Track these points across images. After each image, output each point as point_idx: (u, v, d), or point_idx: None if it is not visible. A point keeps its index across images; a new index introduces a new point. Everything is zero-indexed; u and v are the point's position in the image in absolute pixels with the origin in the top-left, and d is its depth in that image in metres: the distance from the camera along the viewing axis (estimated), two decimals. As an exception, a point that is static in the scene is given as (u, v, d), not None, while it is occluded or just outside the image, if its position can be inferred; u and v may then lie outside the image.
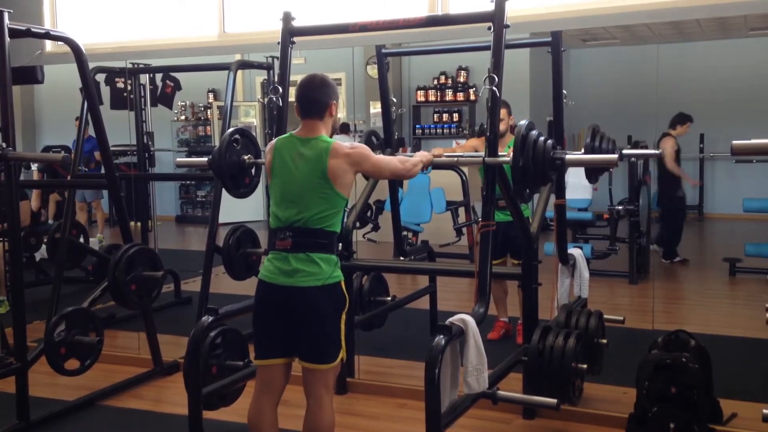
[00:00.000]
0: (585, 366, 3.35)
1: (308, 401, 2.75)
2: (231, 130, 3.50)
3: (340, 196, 2.71)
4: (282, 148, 2.78)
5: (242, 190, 3.57)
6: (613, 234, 6.79)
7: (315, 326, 2.68)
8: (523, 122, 3.00)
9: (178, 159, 4.11)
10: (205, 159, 3.52)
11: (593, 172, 3.83)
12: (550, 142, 3.01)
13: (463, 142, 9.15)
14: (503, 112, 4.49)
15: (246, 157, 3.47)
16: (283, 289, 2.68)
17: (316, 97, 2.75)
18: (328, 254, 2.69)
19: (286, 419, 3.72)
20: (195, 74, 7.92)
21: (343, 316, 2.74)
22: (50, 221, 8.06)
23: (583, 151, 3.69)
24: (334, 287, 2.70)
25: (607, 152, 3.58)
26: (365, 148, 2.81)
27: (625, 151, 3.88)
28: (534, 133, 2.98)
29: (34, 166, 8.29)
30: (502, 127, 4.40)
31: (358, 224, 4.60)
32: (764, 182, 9.07)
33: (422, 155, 3.12)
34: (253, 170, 3.55)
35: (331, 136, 2.81)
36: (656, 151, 3.95)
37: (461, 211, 7.11)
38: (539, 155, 2.94)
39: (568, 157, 3.01)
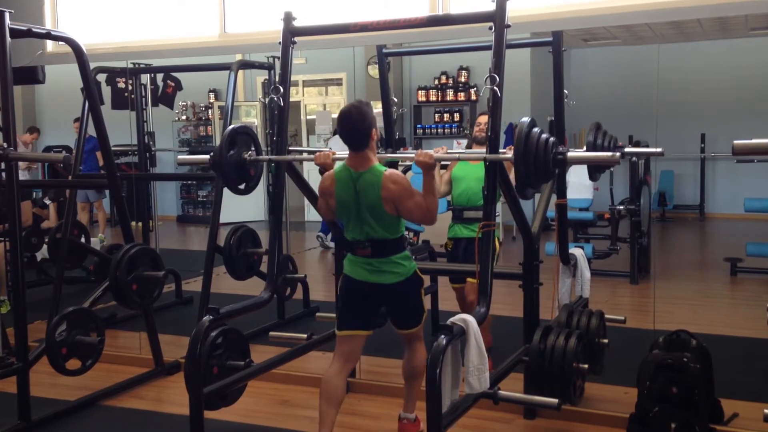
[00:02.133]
0: (586, 366, 3.35)
1: (407, 349, 3.30)
2: (232, 127, 3.53)
3: (395, 217, 3.10)
4: (340, 181, 3.13)
5: (243, 187, 3.58)
6: (614, 234, 6.78)
7: (404, 307, 3.21)
8: (525, 119, 3.00)
9: (180, 157, 4.12)
10: (206, 156, 3.53)
11: (595, 170, 3.83)
12: (552, 139, 3.00)
13: (464, 142, 9.16)
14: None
15: (247, 155, 3.48)
16: (371, 285, 3.14)
17: (359, 131, 3.05)
18: (402, 253, 3.15)
19: (288, 419, 3.74)
20: (196, 74, 7.93)
21: (422, 290, 3.23)
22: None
23: (585, 148, 3.71)
24: (414, 276, 3.18)
25: (609, 150, 3.61)
26: (406, 189, 3.04)
27: (627, 149, 3.89)
28: (536, 130, 2.98)
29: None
30: None
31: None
32: (765, 182, 9.07)
33: (425, 162, 3.07)
34: (254, 167, 3.55)
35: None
36: (658, 150, 3.95)
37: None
38: (541, 152, 2.94)
39: (569, 154, 3.02)
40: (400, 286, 3.15)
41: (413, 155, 3.20)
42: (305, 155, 3.72)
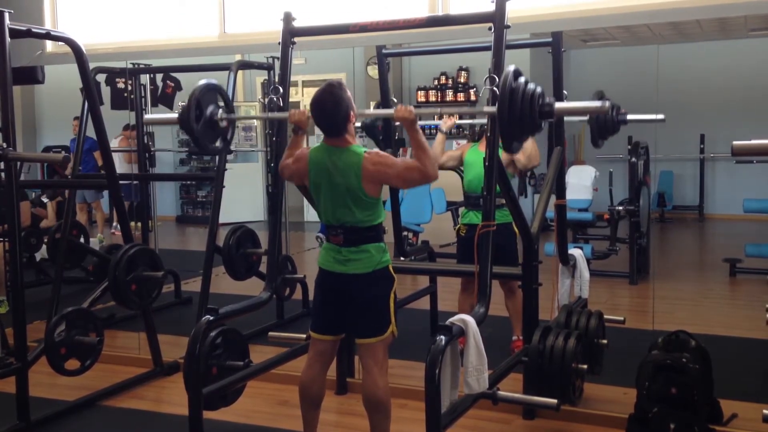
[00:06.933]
0: (585, 366, 3.35)
1: (364, 372, 3.02)
2: (202, 84, 3.35)
3: (375, 199, 2.96)
4: (316, 159, 2.98)
5: (213, 147, 3.46)
6: (614, 234, 6.79)
7: (365, 306, 2.97)
8: (511, 68, 2.82)
9: (147, 116, 3.88)
10: (174, 115, 3.39)
11: (599, 136, 3.90)
12: (539, 89, 2.85)
13: (462, 142, 9.17)
14: None
15: (218, 114, 3.37)
16: (339, 276, 2.98)
17: (335, 119, 2.91)
18: (376, 243, 2.98)
19: (286, 419, 3.74)
20: (195, 74, 7.90)
21: (392, 295, 3.00)
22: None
23: (588, 117, 3.88)
24: (383, 271, 2.98)
25: (613, 118, 3.82)
26: (387, 164, 2.90)
27: (629, 117, 3.97)
28: (522, 79, 2.83)
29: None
30: None
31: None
32: (764, 183, 9.06)
33: (405, 116, 2.93)
34: (224, 125, 3.43)
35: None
36: (659, 116, 4.01)
37: (462, 211, 7.11)
38: (527, 103, 2.79)
39: (557, 105, 2.87)
40: (366, 278, 2.94)
41: (392, 112, 3.00)
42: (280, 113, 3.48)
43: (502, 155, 4.30)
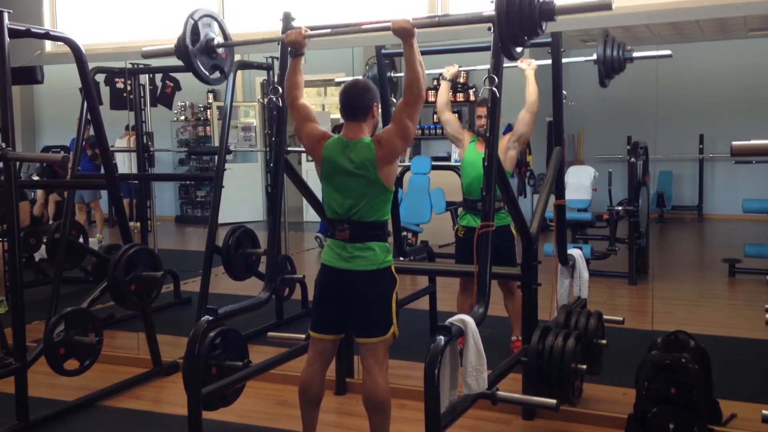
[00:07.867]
0: (584, 366, 3.35)
1: (365, 372, 3.01)
2: (194, 12, 3.27)
3: (388, 189, 2.97)
4: (330, 155, 2.98)
5: (213, 76, 3.43)
6: (613, 234, 6.79)
7: (367, 305, 2.96)
8: None
9: (144, 49, 3.78)
10: (171, 46, 3.31)
11: (605, 75, 3.89)
12: None
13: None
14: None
15: (215, 40, 3.32)
16: (341, 273, 2.97)
17: (359, 100, 2.99)
18: (381, 242, 2.98)
19: (286, 419, 3.74)
20: (195, 75, 7.90)
21: (394, 296, 2.99)
22: (50, 221, 8.06)
23: (595, 56, 3.86)
24: (386, 271, 2.97)
25: (618, 56, 3.82)
26: (385, 137, 2.93)
27: (635, 54, 3.96)
28: None
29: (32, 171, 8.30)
30: None
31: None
32: (764, 183, 9.07)
33: (402, 27, 2.91)
34: (225, 50, 3.38)
35: (372, 135, 3.03)
36: (666, 52, 3.99)
37: (460, 212, 7.11)
38: (526, 1, 2.73)
39: (558, 2, 2.78)
40: (369, 276, 2.93)
41: (389, 24, 2.92)
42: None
43: (502, 142, 4.30)
